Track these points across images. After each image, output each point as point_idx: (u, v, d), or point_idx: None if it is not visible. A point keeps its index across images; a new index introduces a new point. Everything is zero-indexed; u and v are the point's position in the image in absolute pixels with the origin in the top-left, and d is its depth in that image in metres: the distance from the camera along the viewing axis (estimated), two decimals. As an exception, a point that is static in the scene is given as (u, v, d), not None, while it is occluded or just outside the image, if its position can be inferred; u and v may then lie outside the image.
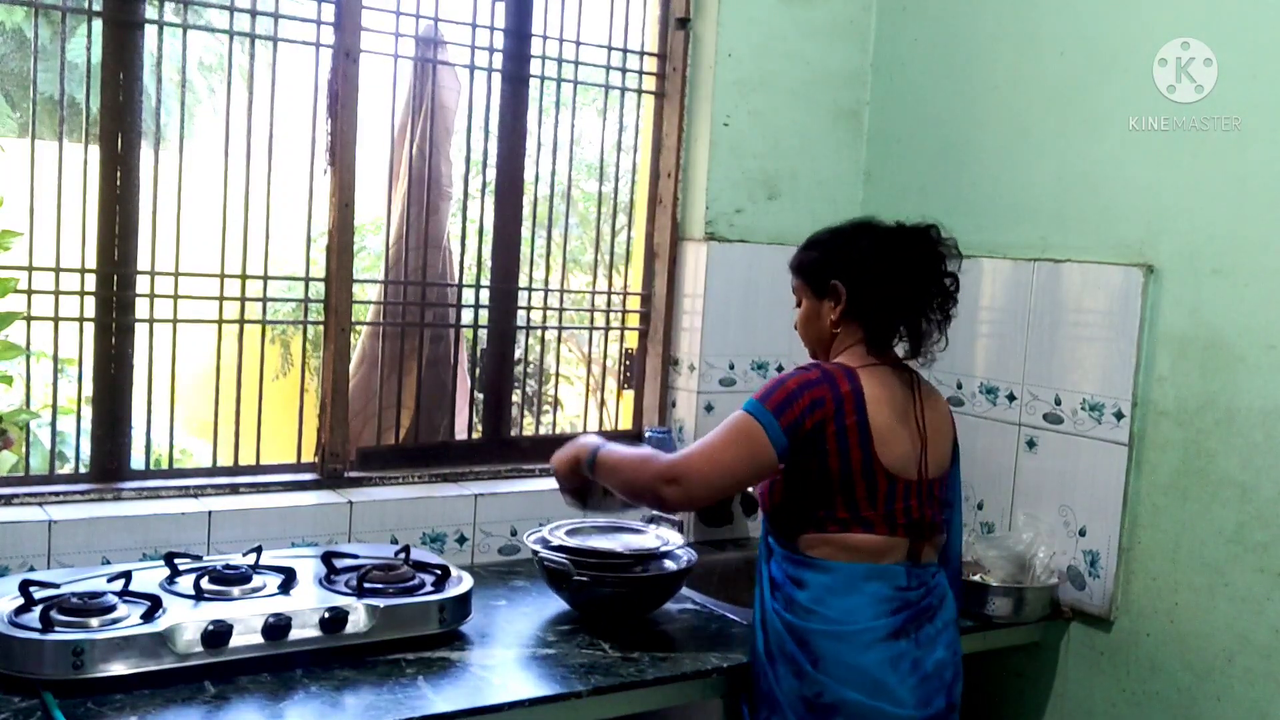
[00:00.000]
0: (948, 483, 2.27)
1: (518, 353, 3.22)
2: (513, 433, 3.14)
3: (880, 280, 2.13)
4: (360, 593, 2.19)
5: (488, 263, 3.05)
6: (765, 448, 2.05)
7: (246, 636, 2.01)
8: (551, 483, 2.96)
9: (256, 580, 2.20)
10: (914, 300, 2.15)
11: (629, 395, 3.33)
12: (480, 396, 3.15)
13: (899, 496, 2.11)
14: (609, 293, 3.30)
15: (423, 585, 2.28)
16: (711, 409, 3.16)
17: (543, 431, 3.71)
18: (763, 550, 2.24)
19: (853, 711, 2.04)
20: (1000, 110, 2.96)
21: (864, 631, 2.07)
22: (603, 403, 3.45)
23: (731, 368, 3.19)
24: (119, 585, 2.09)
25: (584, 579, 2.36)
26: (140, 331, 2.56)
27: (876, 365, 2.15)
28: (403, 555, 2.41)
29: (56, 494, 2.44)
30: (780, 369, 3.23)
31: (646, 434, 3.18)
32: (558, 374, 5.20)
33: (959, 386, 3.01)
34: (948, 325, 2.20)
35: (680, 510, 2.21)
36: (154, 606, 2.02)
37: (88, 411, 2.58)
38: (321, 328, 2.79)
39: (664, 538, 2.54)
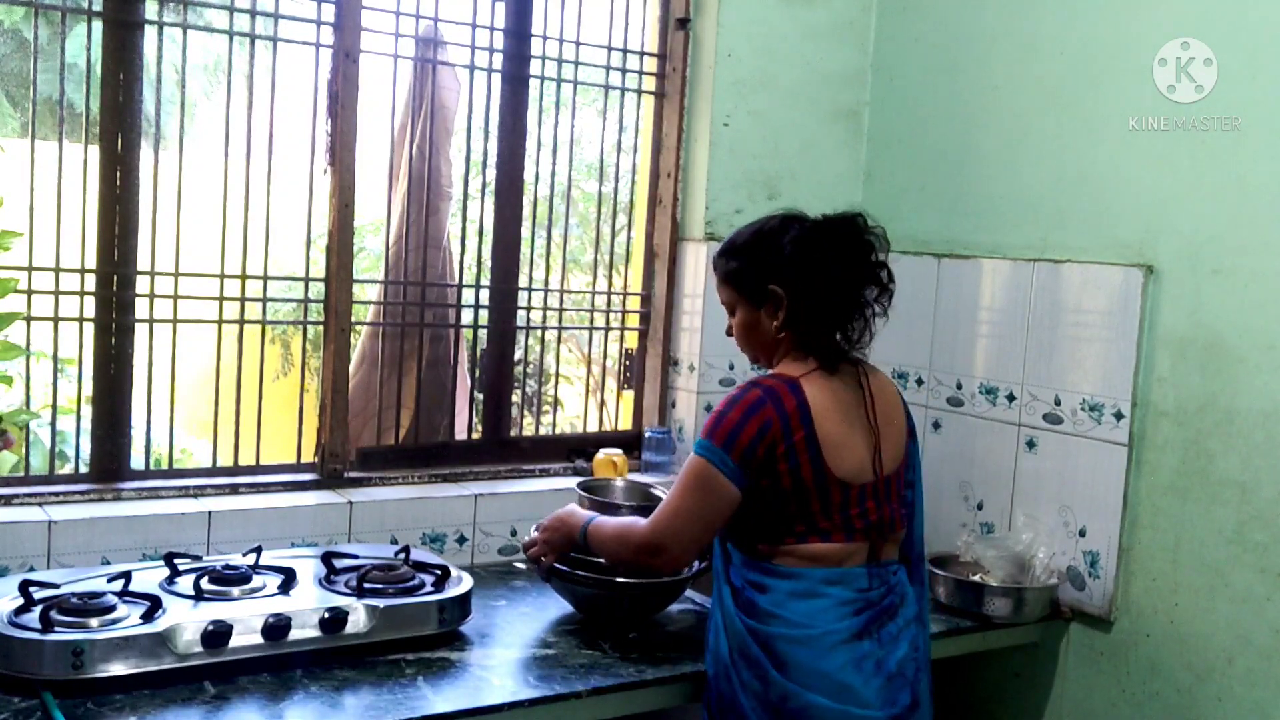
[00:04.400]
0: (907, 465, 2.19)
1: (518, 353, 3.22)
2: (512, 433, 3.14)
3: (816, 279, 2.06)
4: (360, 593, 2.19)
5: (488, 263, 3.05)
6: (725, 487, 2.02)
7: (246, 637, 2.01)
8: (550, 482, 2.99)
9: (256, 580, 2.20)
10: (852, 296, 2.08)
11: (629, 395, 3.33)
12: (480, 396, 3.15)
13: (854, 502, 2.06)
14: (609, 293, 3.30)
15: (422, 585, 2.28)
16: (711, 409, 3.15)
17: (543, 432, 3.71)
18: (718, 553, 2.19)
19: (819, 716, 1.99)
20: (1000, 110, 2.96)
21: (827, 635, 2.01)
22: (602, 403, 3.45)
23: (731, 368, 3.19)
24: (119, 585, 2.09)
25: (591, 583, 2.36)
26: (140, 331, 2.56)
27: (819, 370, 2.08)
28: (402, 555, 2.41)
29: (56, 494, 2.44)
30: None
31: (646, 433, 3.18)
32: (558, 374, 5.20)
33: (959, 386, 3.01)
34: (884, 318, 2.14)
35: (674, 573, 2.27)
36: (154, 607, 2.03)
37: (88, 411, 2.58)
38: (321, 328, 2.79)
39: None
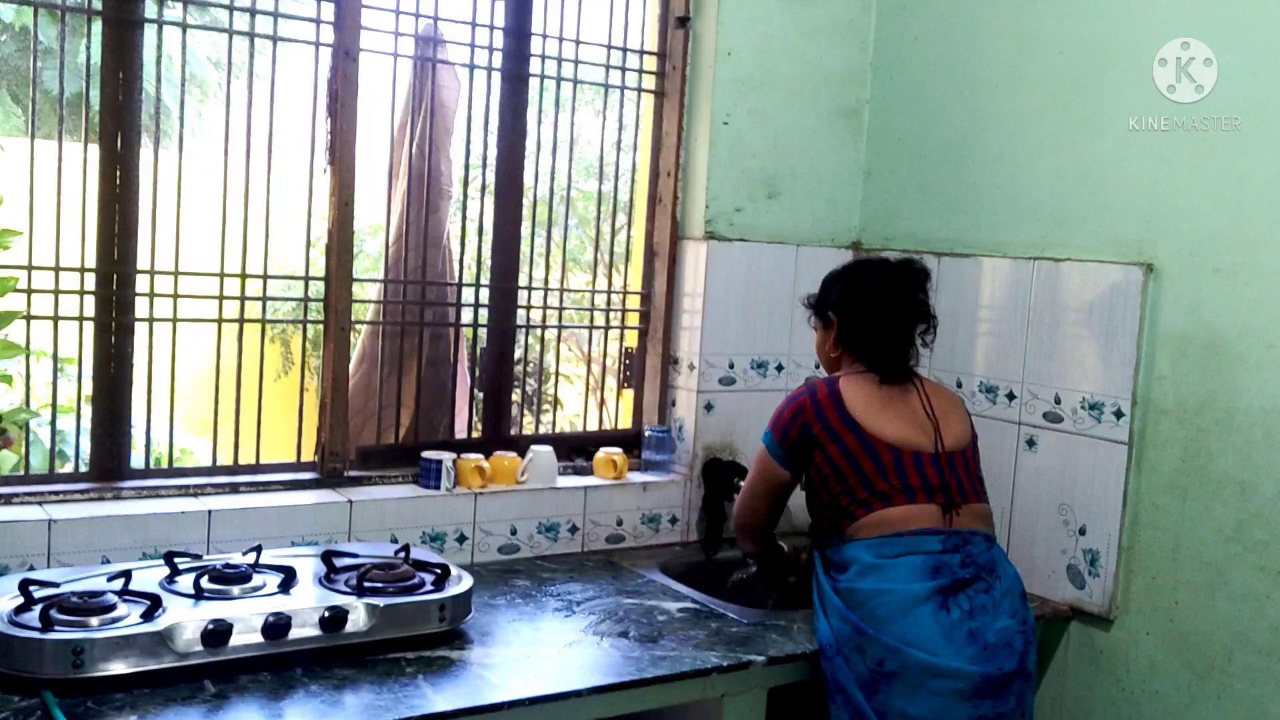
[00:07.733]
0: (976, 452, 2.46)
1: (517, 352, 3.21)
2: (512, 432, 3.14)
3: (863, 310, 2.46)
4: (360, 592, 2.19)
5: (487, 262, 3.04)
6: (771, 464, 2.49)
7: (246, 635, 2.01)
8: (553, 481, 2.98)
9: (256, 579, 2.20)
10: (893, 326, 2.44)
11: (629, 394, 3.33)
12: (480, 395, 3.15)
13: (910, 466, 2.33)
14: (609, 292, 3.30)
15: (423, 584, 2.28)
16: (711, 408, 3.16)
17: (543, 430, 3.71)
18: (816, 560, 2.43)
19: (913, 671, 2.16)
20: (1000, 109, 2.96)
21: (907, 594, 2.21)
22: (602, 402, 3.45)
23: (731, 366, 3.19)
24: (119, 584, 2.09)
25: None
26: (140, 331, 2.55)
27: (862, 373, 2.44)
28: (402, 554, 2.41)
29: (56, 493, 2.44)
30: (780, 368, 3.24)
31: (646, 432, 3.18)
32: (557, 373, 5.20)
33: (959, 385, 3.01)
34: (928, 344, 2.53)
35: (747, 539, 2.69)
36: (154, 606, 2.02)
37: (88, 410, 2.58)
38: (321, 327, 2.79)
39: None
